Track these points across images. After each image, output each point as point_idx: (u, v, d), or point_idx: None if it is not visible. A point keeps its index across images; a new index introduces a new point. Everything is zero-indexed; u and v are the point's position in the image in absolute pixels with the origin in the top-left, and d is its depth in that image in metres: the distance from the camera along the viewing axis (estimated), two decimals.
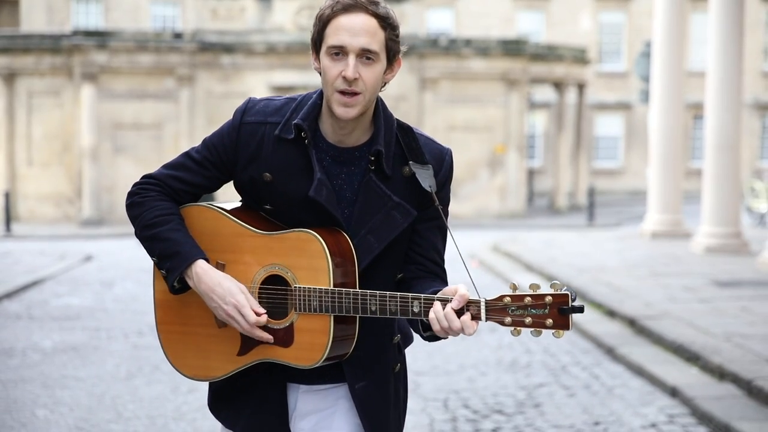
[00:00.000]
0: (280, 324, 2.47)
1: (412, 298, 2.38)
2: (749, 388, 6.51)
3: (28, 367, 7.89)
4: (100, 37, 25.56)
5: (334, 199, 2.48)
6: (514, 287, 2.32)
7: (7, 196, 23.26)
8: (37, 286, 12.97)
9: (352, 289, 2.43)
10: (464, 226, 25.01)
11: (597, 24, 38.35)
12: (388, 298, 2.40)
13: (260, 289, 2.51)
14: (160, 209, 2.52)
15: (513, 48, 27.09)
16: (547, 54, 28.75)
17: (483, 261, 15.48)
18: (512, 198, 27.12)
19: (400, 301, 2.39)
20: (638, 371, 7.55)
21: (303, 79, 24.38)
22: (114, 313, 10.68)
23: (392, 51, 2.50)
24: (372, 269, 2.51)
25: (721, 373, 6.98)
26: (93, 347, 8.75)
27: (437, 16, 37.86)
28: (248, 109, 2.54)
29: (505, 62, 26.94)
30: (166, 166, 2.60)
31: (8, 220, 22.85)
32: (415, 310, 2.38)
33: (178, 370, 2.66)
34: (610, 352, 8.28)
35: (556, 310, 2.29)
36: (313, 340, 2.44)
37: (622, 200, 35.62)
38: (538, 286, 2.30)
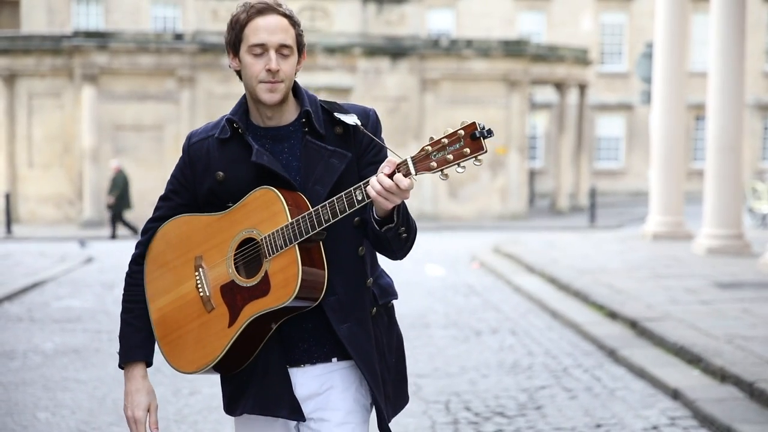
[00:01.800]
0: (256, 279, 2.71)
1: (354, 189, 2.60)
2: (751, 391, 6.50)
3: (29, 370, 7.88)
4: (101, 39, 25.56)
5: (277, 163, 2.76)
6: (431, 139, 2.54)
7: (8, 198, 23.27)
8: (38, 288, 12.96)
9: (305, 212, 2.66)
10: (465, 227, 25.00)
11: (598, 25, 38.33)
12: (335, 201, 2.62)
13: (235, 256, 2.77)
14: (131, 294, 2.93)
15: (514, 49, 27.08)
16: (549, 55, 28.74)
17: (484, 262, 15.47)
18: (513, 199, 27.11)
19: (345, 197, 2.61)
20: (640, 373, 7.54)
21: (303, 79, 24.24)
22: (115, 315, 10.66)
23: (301, 44, 2.79)
24: None
25: (722, 376, 6.97)
26: (94, 349, 8.74)
27: (438, 17, 37.85)
28: (192, 135, 2.93)
29: (506, 63, 26.93)
30: (153, 215, 2.96)
31: (9, 221, 22.85)
32: (359, 197, 2.59)
33: (181, 371, 2.89)
34: (612, 354, 8.27)
35: (469, 139, 2.50)
36: (285, 276, 2.66)
37: (624, 201, 35.61)
38: (447, 130, 2.54)
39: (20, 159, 25.82)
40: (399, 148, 26.13)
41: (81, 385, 7.33)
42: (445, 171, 2.52)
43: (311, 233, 2.65)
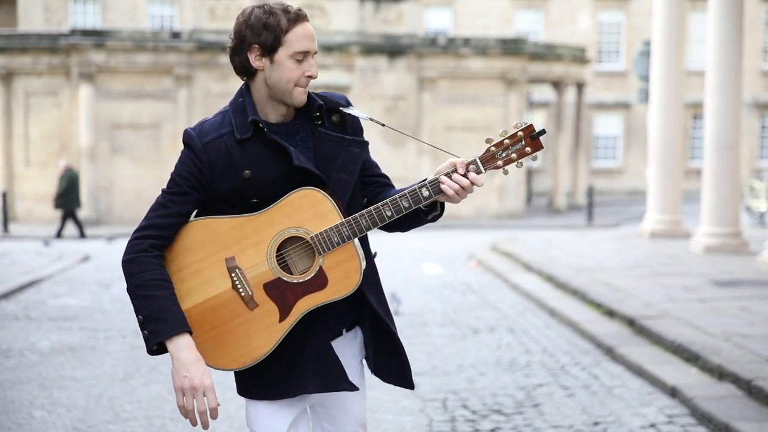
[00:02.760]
0: (309, 274, 2.87)
1: (419, 188, 2.84)
2: (749, 388, 6.49)
3: (25, 368, 7.86)
4: (98, 37, 25.52)
5: (310, 163, 2.91)
6: (490, 140, 2.85)
7: (5, 197, 23.23)
8: (35, 287, 12.94)
9: (364, 210, 2.87)
10: (463, 226, 24.99)
11: (596, 23, 38.32)
12: (398, 199, 2.85)
13: (277, 256, 2.88)
14: (159, 274, 2.85)
15: (512, 47, 27.07)
16: (546, 53, 28.73)
17: (482, 261, 15.46)
18: (511, 198, 27.11)
19: (410, 195, 2.85)
20: (637, 371, 7.53)
21: None
22: (112, 314, 10.65)
23: None
24: (348, 202, 2.95)
25: (720, 373, 6.96)
26: (90, 348, 8.72)
27: (436, 16, 37.83)
28: (198, 134, 2.90)
29: (504, 62, 26.92)
30: (150, 213, 2.90)
31: (6, 220, 22.82)
32: (425, 194, 2.84)
33: (223, 369, 2.95)
34: (610, 352, 8.26)
35: (529, 139, 2.83)
36: (345, 269, 2.87)
37: (621, 200, 35.62)
38: (506, 132, 2.84)
39: (17, 158, 25.78)
40: (397, 146, 26.13)
41: (77, 384, 7.31)
42: (507, 168, 2.86)
43: (372, 229, 2.87)
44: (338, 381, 2.98)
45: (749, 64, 35.59)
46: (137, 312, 2.85)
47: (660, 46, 16.59)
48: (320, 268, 2.87)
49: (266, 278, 2.87)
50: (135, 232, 2.90)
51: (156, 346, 2.84)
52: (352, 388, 3.01)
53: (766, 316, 9.00)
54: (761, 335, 8.03)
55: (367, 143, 3.05)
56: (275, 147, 2.88)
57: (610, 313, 9.70)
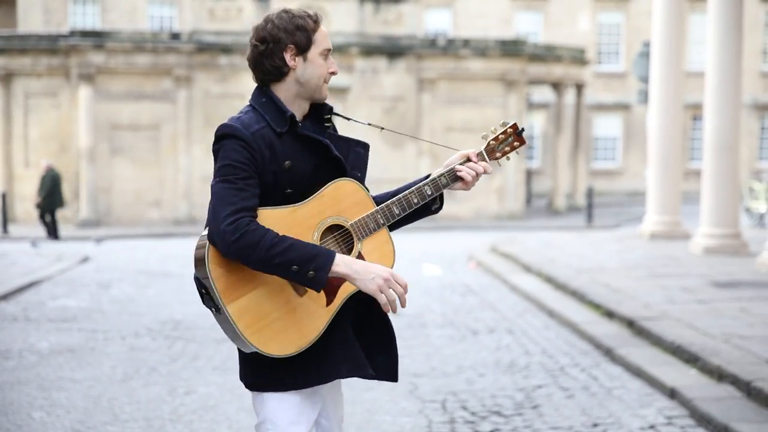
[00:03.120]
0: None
1: (438, 177, 3.18)
2: (748, 390, 6.48)
3: (24, 369, 7.85)
4: (97, 38, 25.51)
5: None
6: (487, 136, 3.28)
7: (4, 197, 23.23)
8: (34, 288, 12.93)
9: (393, 198, 3.13)
10: (462, 227, 24.98)
11: (595, 24, 38.32)
12: (422, 186, 3.16)
13: (320, 243, 3.03)
14: (273, 232, 2.92)
15: (511, 48, 27.06)
16: (546, 54, 28.73)
17: (481, 262, 15.45)
18: (510, 199, 27.10)
19: (431, 183, 3.18)
20: (637, 372, 7.52)
21: None
22: (111, 315, 10.64)
23: None
24: None
25: (720, 375, 6.95)
26: (90, 349, 8.71)
27: (435, 17, 37.83)
28: (242, 125, 3.01)
29: (504, 63, 26.92)
30: (230, 200, 2.90)
31: (5, 221, 22.82)
32: (443, 182, 3.19)
33: (278, 355, 2.97)
34: (609, 353, 8.25)
35: (516, 135, 3.29)
36: (381, 253, 3.10)
37: (621, 201, 35.61)
38: (497, 129, 3.28)
39: (16, 159, 25.78)
40: (396, 148, 26.13)
41: (76, 385, 7.30)
42: (501, 161, 3.30)
43: (402, 216, 3.13)
44: (365, 367, 3.13)
45: (749, 65, 35.59)
46: (287, 268, 2.88)
47: (659, 47, 16.59)
48: (359, 253, 3.06)
49: None
50: (225, 219, 2.87)
51: (326, 277, 2.93)
52: (373, 376, 3.16)
53: (765, 317, 8.99)
54: (761, 336, 8.03)
55: (368, 146, 3.24)
56: (307, 140, 3.07)
57: (610, 314, 9.69)
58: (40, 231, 22.73)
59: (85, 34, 25.78)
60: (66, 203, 22.58)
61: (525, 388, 7.14)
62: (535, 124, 37.58)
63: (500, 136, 3.28)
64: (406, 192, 3.13)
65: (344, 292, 3.03)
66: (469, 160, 3.23)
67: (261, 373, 3.07)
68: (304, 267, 2.89)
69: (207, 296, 2.98)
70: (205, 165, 25.49)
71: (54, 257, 16.47)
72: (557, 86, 29.85)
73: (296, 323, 2.99)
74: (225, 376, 7.56)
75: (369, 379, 3.15)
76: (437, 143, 3.27)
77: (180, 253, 17.77)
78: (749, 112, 38.28)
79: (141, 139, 25.60)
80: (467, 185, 3.22)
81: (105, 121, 25.35)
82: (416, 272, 14.41)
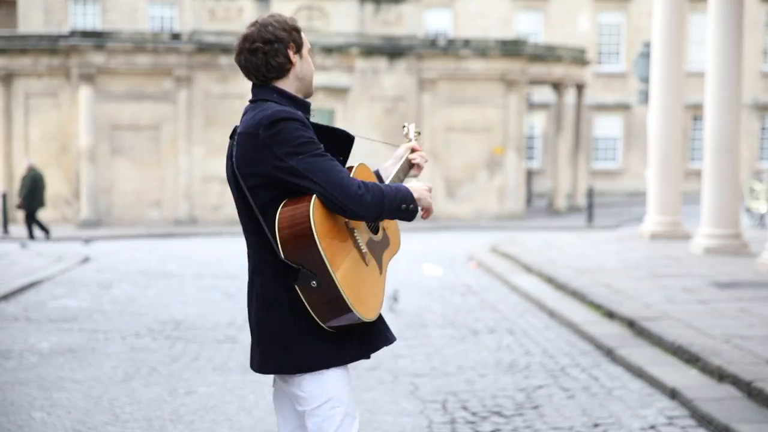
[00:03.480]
0: (380, 234, 3.42)
1: (399, 168, 3.57)
2: (749, 390, 6.48)
3: (24, 370, 7.85)
4: (98, 38, 25.51)
5: None
6: (408, 130, 3.74)
7: (4, 198, 23.23)
8: (35, 288, 12.92)
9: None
10: (463, 227, 24.98)
11: (596, 24, 38.32)
12: (397, 174, 3.55)
13: None
14: (378, 183, 3.29)
15: (512, 49, 27.06)
16: (546, 55, 28.72)
17: (481, 262, 15.45)
18: (511, 199, 27.09)
19: (401, 171, 3.58)
20: (637, 373, 7.52)
21: None
22: (111, 315, 10.64)
23: None
24: None
25: (720, 375, 6.95)
26: (90, 349, 8.71)
27: (436, 17, 37.82)
28: (295, 112, 3.21)
29: (504, 63, 26.92)
30: (337, 170, 3.17)
31: (5, 221, 22.82)
32: (406, 170, 3.63)
33: (369, 318, 3.21)
34: (610, 353, 8.25)
35: (416, 134, 3.78)
36: (393, 229, 3.52)
37: (621, 201, 35.60)
38: (409, 128, 3.75)
39: (17, 159, 25.77)
40: (395, 148, 26.10)
41: (77, 385, 7.30)
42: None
43: None
44: (391, 333, 3.44)
45: (749, 66, 35.58)
46: (400, 208, 3.25)
47: (660, 48, 16.58)
48: (383, 228, 3.44)
49: (367, 237, 3.31)
50: (351, 185, 3.14)
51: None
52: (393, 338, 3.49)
53: (766, 317, 8.99)
54: (761, 337, 8.02)
55: (351, 136, 3.52)
56: (318, 129, 3.31)
57: (610, 315, 9.69)
58: (38, 232, 22.73)
59: (86, 34, 25.79)
60: (45, 205, 22.38)
61: (525, 388, 7.14)
62: (536, 125, 37.57)
63: (415, 133, 3.75)
64: (394, 174, 3.54)
65: (386, 261, 3.41)
66: (414, 150, 3.62)
67: (319, 351, 3.17)
68: (409, 204, 3.28)
69: (304, 271, 3.10)
70: (206, 165, 25.48)
71: (55, 257, 16.47)
72: (558, 86, 29.85)
73: (373, 289, 3.28)
74: (225, 376, 7.56)
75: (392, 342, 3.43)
76: (376, 140, 3.44)
77: (180, 254, 17.77)
78: (750, 112, 38.27)
79: (141, 139, 25.60)
80: (419, 170, 3.62)
81: (105, 122, 25.35)
82: (417, 272, 14.40)
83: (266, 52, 3.23)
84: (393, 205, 3.22)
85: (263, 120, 3.12)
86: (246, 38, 3.24)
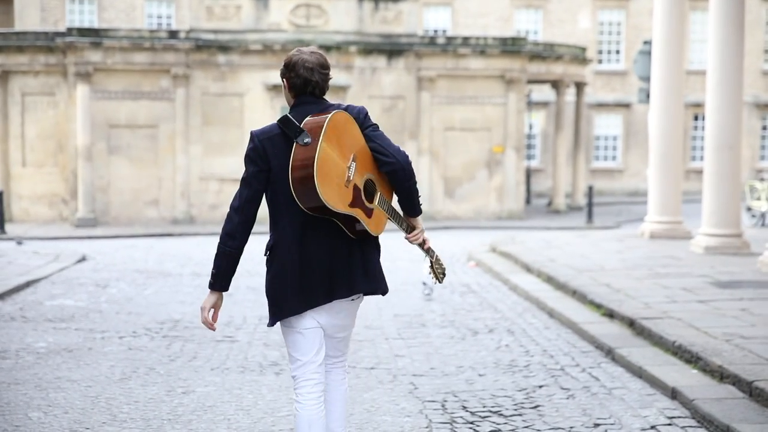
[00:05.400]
0: (371, 204, 4.23)
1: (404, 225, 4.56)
2: (750, 390, 6.44)
3: (21, 369, 7.81)
4: (95, 36, 25.44)
5: None
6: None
7: (1, 197, 23.14)
8: (31, 287, 12.88)
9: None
10: (462, 226, 24.94)
11: (596, 23, 38.27)
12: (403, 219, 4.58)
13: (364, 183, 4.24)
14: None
15: (511, 47, 27.01)
16: (546, 53, 28.67)
17: (481, 261, 15.40)
18: (510, 198, 27.05)
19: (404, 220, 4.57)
20: (638, 373, 7.48)
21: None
22: (108, 315, 10.59)
23: None
24: None
25: (721, 375, 6.91)
26: (87, 349, 8.66)
27: (435, 15, 37.78)
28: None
29: (503, 61, 26.86)
30: (392, 141, 4.39)
31: (2, 220, 22.74)
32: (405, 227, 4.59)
33: (330, 204, 4.02)
34: (610, 353, 8.21)
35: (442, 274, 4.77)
36: (379, 220, 4.30)
37: (621, 200, 35.56)
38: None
39: (13, 157, 25.69)
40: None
41: (74, 385, 7.25)
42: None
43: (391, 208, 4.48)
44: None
45: (750, 64, 35.54)
46: (417, 197, 4.49)
47: (660, 46, 16.53)
48: (372, 209, 4.24)
49: (358, 183, 4.18)
50: (403, 151, 4.27)
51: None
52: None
53: (767, 317, 8.95)
54: (762, 336, 7.98)
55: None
56: None
57: (610, 314, 9.65)
58: (36, 230, 22.67)
59: (83, 32, 25.70)
60: None
61: (525, 388, 7.10)
62: (535, 123, 37.53)
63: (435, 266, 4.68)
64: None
65: (354, 211, 4.18)
66: (415, 238, 4.51)
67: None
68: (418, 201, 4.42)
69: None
70: (204, 164, 25.43)
71: (52, 256, 16.41)
72: (557, 85, 29.80)
73: (341, 192, 4.10)
74: (223, 375, 7.52)
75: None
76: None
77: (178, 253, 17.72)
78: (750, 110, 38.23)
79: (139, 137, 25.53)
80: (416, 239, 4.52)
81: (102, 120, 25.28)
82: (417, 272, 14.35)
83: (328, 74, 4.63)
84: (414, 185, 4.33)
85: (361, 109, 4.32)
86: (317, 63, 4.54)
